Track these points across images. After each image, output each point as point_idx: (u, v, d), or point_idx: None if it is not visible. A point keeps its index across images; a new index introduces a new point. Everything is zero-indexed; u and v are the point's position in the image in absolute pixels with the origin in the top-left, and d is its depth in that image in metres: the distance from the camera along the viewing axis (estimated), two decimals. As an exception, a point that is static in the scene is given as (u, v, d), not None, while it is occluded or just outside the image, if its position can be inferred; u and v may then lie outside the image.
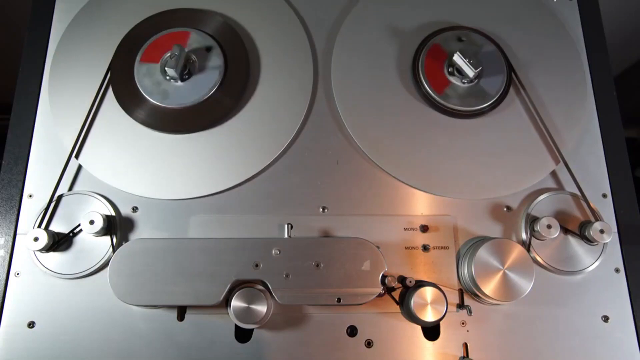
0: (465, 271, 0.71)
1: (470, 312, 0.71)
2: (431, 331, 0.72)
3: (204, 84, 0.79)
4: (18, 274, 0.72)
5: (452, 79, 0.81)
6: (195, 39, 0.81)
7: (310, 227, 0.75)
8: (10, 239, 0.73)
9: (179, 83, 0.78)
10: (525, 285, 0.68)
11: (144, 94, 0.78)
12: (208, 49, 0.80)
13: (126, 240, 0.73)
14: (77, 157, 0.77)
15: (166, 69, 0.77)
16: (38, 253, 0.72)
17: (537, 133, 0.81)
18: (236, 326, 0.69)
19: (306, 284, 0.66)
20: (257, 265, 0.66)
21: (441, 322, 0.70)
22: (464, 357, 0.71)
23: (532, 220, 0.75)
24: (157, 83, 0.79)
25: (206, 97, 0.79)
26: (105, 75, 0.80)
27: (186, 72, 0.79)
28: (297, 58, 0.83)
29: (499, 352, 0.71)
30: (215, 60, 0.80)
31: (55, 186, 0.74)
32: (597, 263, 0.75)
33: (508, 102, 0.81)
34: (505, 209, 0.77)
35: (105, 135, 0.78)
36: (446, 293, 0.67)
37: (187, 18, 0.83)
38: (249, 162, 0.77)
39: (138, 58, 0.80)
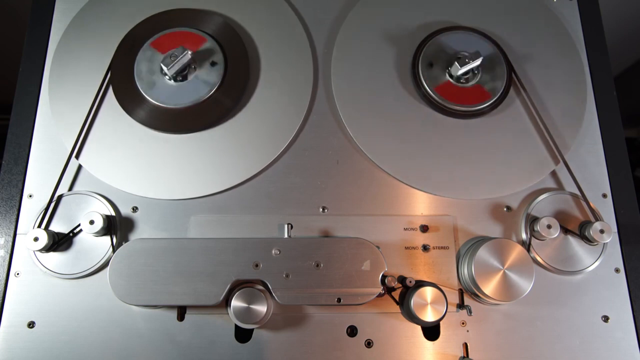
0: (465, 271, 0.71)
1: (470, 312, 0.71)
2: (431, 331, 0.72)
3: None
4: (18, 274, 0.72)
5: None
6: (205, 47, 0.80)
7: (310, 227, 0.75)
8: (10, 239, 0.73)
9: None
10: (525, 285, 0.68)
11: (144, 94, 0.78)
12: (212, 64, 0.80)
13: (126, 240, 0.73)
14: (77, 157, 0.77)
15: (161, 64, 0.77)
16: (38, 253, 0.72)
17: (537, 133, 0.81)
18: (236, 326, 0.70)
19: (306, 284, 0.66)
20: (257, 265, 0.66)
21: (441, 322, 0.70)
22: (464, 357, 0.71)
23: (532, 220, 0.75)
24: (151, 71, 0.79)
25: (206, 97, 0.79)
26: (105, 75, 0.80)
27: (184, 74, 0.79)
28: (297, 58, 0.83)
29: (499, 352, 0.71)
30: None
31: (55, 186, 0.74)
32: (597, 263, 0.75)
33: (508, 102, 0.81)
34: (505, 209, 0.77)
35: (105, 135, 0.78)
36: (446, 293, 0.68)
37: (187, 18, 0.83)
38: (249, 162, 0.77)
39: (148, 43, 0.80)
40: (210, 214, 0.75)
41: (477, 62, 0.77)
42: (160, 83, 0.79)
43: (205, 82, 0.79)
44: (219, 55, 0.80)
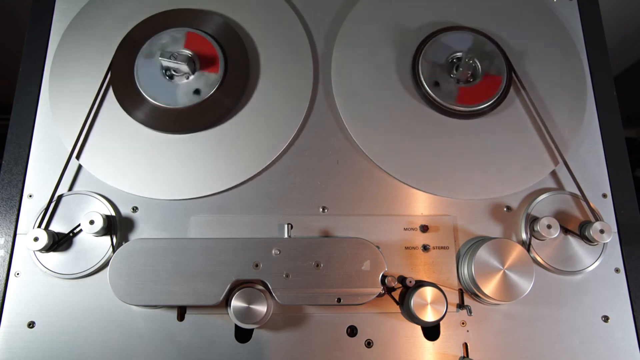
0: (465, 271, 0.71)
1: (470, 312, 0.71)
2: (431, 331, 0.72)
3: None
4: (18, 274, 0.72)
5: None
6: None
7: (310, 227, 0.75)
8: (10, 239, 0.73)
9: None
10: (525, 285, 0.68)
11: (144, 94, 0.78)
12: (196, 92, 0.79)
13: (126, 240, 0.73)
14: (77, 157, 0.77)
15: (160, 58, 0.77)
16: (38, 253, 0.72)
17: (537, 133, 0.81)
18: (236, 326, 0.70)
19: (306, 284, 0.66)
20: (257, 265, 0.66)
21: (441, 322, 0.70)
22: (464, 357, 0.71)
23: (532, 220, 0.75)
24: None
25: (206, 97, 0.79)
26: (105, 75, 0.80)
27: (172, 74, 0.79)
28: (297, 58, 0.83)
29: (499, 352, 0.71)
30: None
31: (55, 186, 0.74)
32: (597, 263, 0.75)
33: (508, 102, 0.81)
34: (505, 209, 0.77)
35: (105, 135, 0.78)
36: (446, 293, 0.68)
37: (187, 18, 0.83)
38: (249, 162, 0.77)
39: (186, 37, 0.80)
40: (210, 214, 0.75)
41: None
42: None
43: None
44: (212, 78, 0.80)
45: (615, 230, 0.77)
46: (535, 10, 0.88)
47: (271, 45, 0.83)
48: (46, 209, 0.74)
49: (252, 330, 0.70)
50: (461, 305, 0.72)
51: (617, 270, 0.75)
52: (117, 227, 0.74)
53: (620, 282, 0.75)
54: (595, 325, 0.73)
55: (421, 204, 0.77)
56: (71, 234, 0.73)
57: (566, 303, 0.74)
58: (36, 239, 0.69)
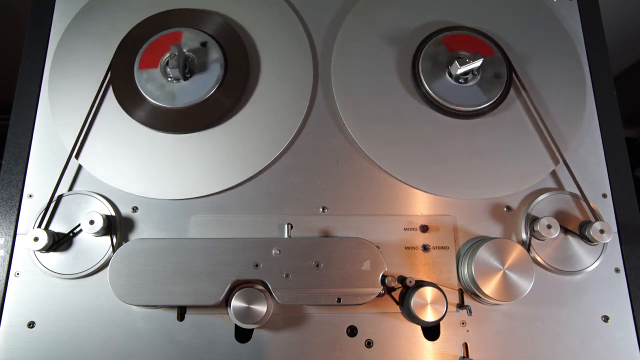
0: (465, 271, 0.71)
1: (470, 312, 0.71)
2: (431, 331, 0.72)
3: (204, 84, 0.79)
4: (18, 274, 0.72)
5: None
6: (188, 37, 0.81)
7: (310, 227, 0.75)
8: (10, 239, 0.73)
9: (182, 82, 0.78)
10: (525, 285, 0.68)
11: (144, 94, 0.78)
12: (203, 44, 0.80)
13: (126, 240, 0.73)
14: (77, 157, 0.77)
15: (169, 69, 0.77)
16: (38, 253, 0.72)
17: (537, 133, 0.81)
18: (236, 326, 0.70)
19: (306, 284, 0.66)
20: (257, 265, 0.66)
21: (441, 322, 0.70)
22: (464, 357, 0.71)
23: (532, 220, 0.75)
24: (160, 85, 0.79)
25: (206, 97, 0.79)
26: (105, 75, 0.80)
27: (187, 70, 0.79)
28: (297, 58, 0.83)
29: (499, 352, 0.71)
30: (215, 60, 0.80)
31: (55, 186, 0.74)
32: (597, 263, 0.75)
33: (508, 102, 0.81)
34: (505, 209, 0.77)
35: (105, 135, 0.78)
36: (446, 293, 0.68)
37: (187, 18, 0.83)
38: (249, 162, 0.77)
39: (137, 65, 0.80)
40: (210, 214, 0.75)
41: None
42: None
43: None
44: (209, 40, 0.80)
45: (615, 230, 0.77)
46: (535, 11, 0.88)
47: (271, 45, 0.83)
48: (46, 209, 0.74)
49: (252, 330, 0.71)
50: (461, 305, 0.72)
51: (617, 270, 0.75)
52: (117, 227, 0.74)
53: (620, 282, 0.75)
54: (595, 325, 0.73)
55: (421, 204, 0.77)
56: (71, 234, 0.73)
57: (566, 303, 0.74)
58: (36, 239, 0.69)
